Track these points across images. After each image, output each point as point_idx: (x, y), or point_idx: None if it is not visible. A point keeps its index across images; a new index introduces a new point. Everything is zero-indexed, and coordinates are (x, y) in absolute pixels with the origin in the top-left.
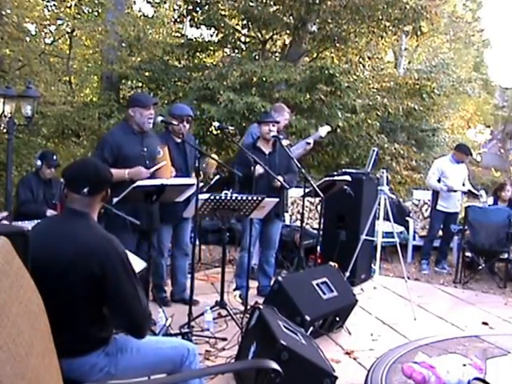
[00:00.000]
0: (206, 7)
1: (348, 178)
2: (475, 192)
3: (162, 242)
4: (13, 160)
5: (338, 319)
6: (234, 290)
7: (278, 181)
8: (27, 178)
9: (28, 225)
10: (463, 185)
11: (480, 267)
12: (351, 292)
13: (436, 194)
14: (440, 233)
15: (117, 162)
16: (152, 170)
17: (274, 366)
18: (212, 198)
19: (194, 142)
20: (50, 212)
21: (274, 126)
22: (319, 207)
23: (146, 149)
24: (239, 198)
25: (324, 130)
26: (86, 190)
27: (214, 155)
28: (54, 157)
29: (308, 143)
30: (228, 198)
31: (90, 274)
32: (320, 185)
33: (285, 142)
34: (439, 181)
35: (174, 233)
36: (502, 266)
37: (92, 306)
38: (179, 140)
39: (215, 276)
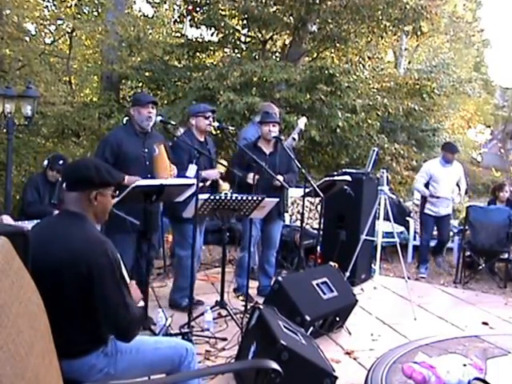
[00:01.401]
0: (206, 7)
1: (348, 177)
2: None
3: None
4: (13, 160)
5: (338, 319)
6: (234, 290)
7: (278, 181)
8: (34, 179)
9: (28, 225)
10: (458, 186)
11: (480, 267)
12: (351, 292)
13: (424, 198)
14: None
15: (117, 161)
16: (151, 182)
17: (274, 365)
18: (212, 197)
19: (211, 142)
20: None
21: (274, 126)
22: (319, 207)
23: (146, 150)
24: (239, 198)
25: (302, 122)
26: (64, 184)
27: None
28: (61, 162)
29: (294, 139)
30: (228, 197)
31: (79, 275)
32: (320, 185)
33: None
34: (428, 184)
35: None
36: (502, 266)
37: (87, 307)
38: (202, 139)
39: (215, 276)
